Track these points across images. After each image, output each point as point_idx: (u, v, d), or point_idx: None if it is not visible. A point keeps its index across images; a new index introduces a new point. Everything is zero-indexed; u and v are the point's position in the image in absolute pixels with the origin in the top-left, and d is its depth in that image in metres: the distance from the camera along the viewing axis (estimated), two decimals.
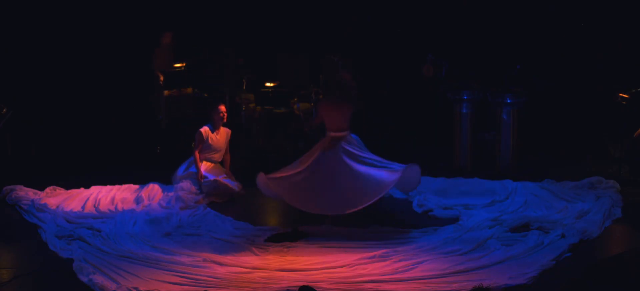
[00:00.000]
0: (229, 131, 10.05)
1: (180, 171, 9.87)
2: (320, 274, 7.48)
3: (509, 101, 10.38)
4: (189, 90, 12.01)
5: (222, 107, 9.92)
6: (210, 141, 9.83)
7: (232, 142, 10.19)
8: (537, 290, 7.18)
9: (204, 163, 9.85)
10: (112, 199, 9.55)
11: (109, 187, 9.96)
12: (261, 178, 8.70)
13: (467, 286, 7.03)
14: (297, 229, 8.50)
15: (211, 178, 9.72)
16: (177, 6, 12.58)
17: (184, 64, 12.04)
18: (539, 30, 11.99)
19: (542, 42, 11.96)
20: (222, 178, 9.76)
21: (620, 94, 10.33)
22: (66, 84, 12.21)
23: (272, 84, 11.67)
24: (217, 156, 9.95)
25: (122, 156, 11.55)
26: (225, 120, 9.94)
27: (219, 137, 9.92)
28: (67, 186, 10.00)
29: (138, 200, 9.54)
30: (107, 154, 11.61)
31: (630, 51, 11.47)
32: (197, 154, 9.78)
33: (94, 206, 9.39)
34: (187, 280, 7.39)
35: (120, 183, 10.07)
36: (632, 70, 11.12)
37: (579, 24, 11.81)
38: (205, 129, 9.83)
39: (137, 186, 9.96)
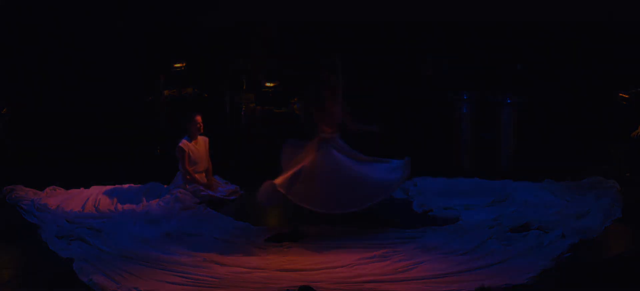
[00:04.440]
0: (207, 139, 9.89)
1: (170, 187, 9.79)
2: (320, 274, 7.48)
3: (509, 101, 10.39)
4: (189, 90, 12.00)
5: (199, 118, 9.76)
6: (190, 153, 9.68)
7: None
8: (537, 290, 7.18)
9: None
10: (112, 199, 9.56)
11: (109, 187, 9.96)
12: (267, 187, 8.35)
13: (467, 286, 7.03)
14: (297, 229, 8.49)
15: (209, 192, 9.67)
16: (177, 6, 12.57)
17: (184, 64, 12.04)
18: (539, 31, 11.98)
19: (542, 42, 11.95)
20: (219, 194, 9.70)
21: (620, 94, 10.33)
22: (66, 84, 12.19)
23: (272, 84, 11.66)
24: (201, 167, 9.78)
25: (122, 156, 11.53)
26: (202, 130, 9.80)
27: (198, 147, 9.76)
28: (67, 186, 10.00)
29: (138, 200, 9.54)
30: (107, 154, 11.60)
31: (630, 51, 11.46)
32: (189, 169, 9.63)
33: (94, 206, 9.39)
34: (187, 280, 7.38)
35: (120, 183, 10.07)
36: (632, 70, 11.12)
37: (579, 24, 11.80)
38: (184, 143, 9.65)
39: (137, 186, 9.96)
